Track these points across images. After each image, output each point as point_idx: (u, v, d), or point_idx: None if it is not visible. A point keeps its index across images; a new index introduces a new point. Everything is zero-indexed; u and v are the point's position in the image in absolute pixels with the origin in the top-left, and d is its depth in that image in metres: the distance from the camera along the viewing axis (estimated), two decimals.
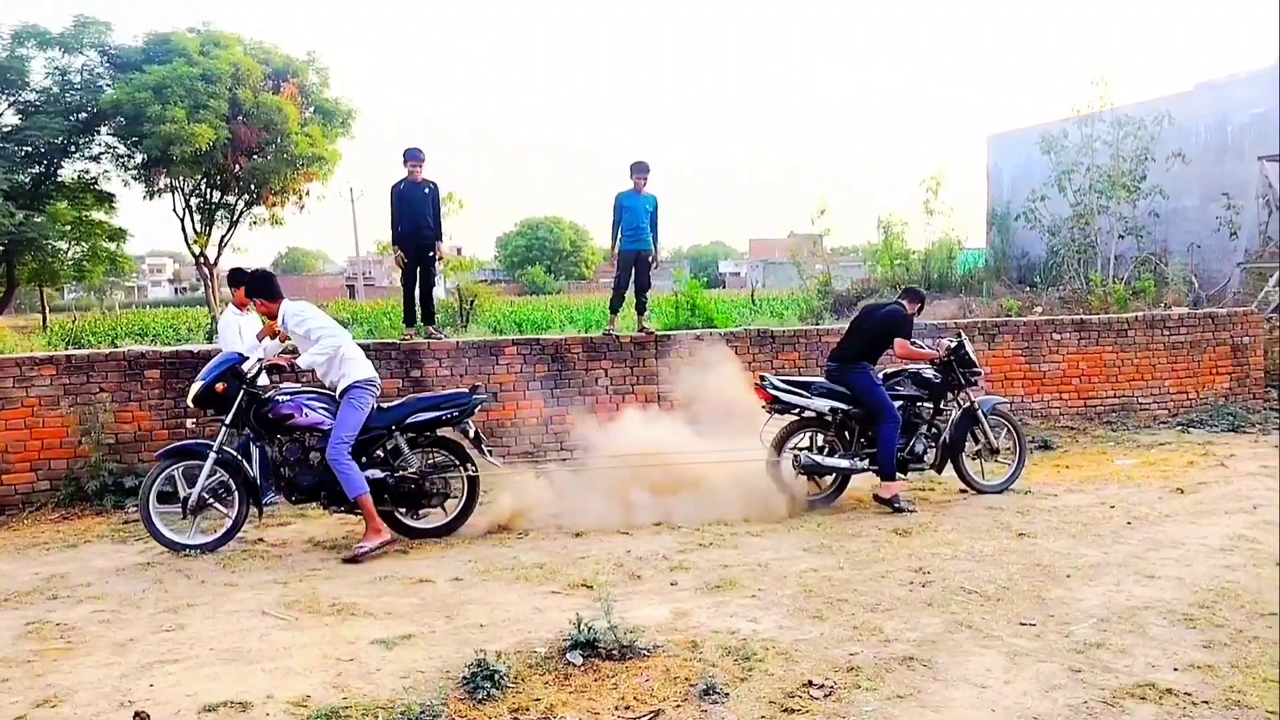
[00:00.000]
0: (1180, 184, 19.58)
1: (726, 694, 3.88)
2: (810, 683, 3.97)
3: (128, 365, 8.21)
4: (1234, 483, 7.89)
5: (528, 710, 3.81)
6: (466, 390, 6.96)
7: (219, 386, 6.36)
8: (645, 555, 6.14)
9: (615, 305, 10.41)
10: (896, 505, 7.14)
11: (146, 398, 8.24)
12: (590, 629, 4.31)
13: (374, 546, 6.25)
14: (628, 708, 3.83)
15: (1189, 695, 3.80)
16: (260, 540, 6.79)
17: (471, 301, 19.37)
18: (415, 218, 9.47)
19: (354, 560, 6.14)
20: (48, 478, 7.96)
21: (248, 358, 6.51)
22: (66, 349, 17.03)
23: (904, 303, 7.63)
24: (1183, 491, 7.60)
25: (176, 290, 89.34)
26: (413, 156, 9.49)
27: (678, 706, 3.82)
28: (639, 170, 9.83)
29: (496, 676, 3.99)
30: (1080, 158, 19.26)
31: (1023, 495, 7.61)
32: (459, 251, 26.82)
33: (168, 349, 8.80)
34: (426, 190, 9.56)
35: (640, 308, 10.26)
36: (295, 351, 6.69)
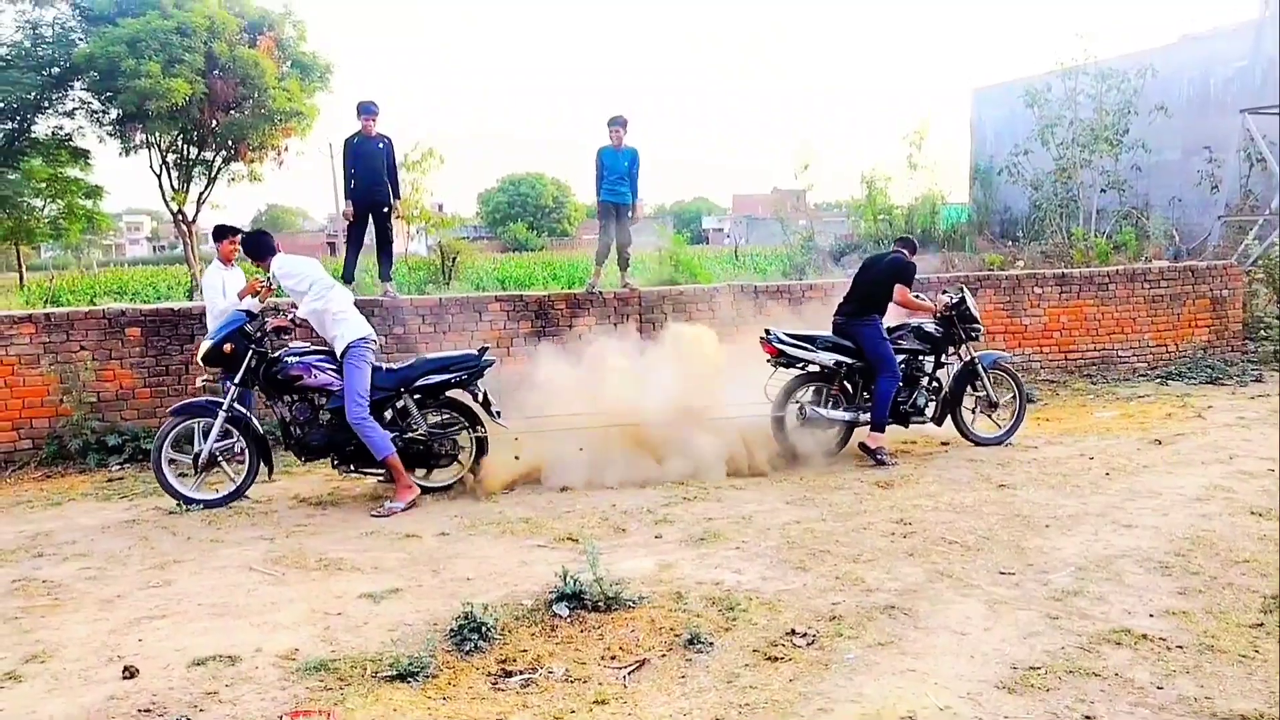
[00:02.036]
0: (1163, 137, 19.60)
1: (711, 643, 3.94)
2: (793, 631, 4.04)
3: (108, 323, 8.15)
4: (1211, 434, 8.00)
5: (515, 661, 3.86)
6: (475, 352, 6.93)
7: (226, 347, 6.36)
8: (630, 509, 6.18)
9: (600, 258, 10.37)
10: (879, 457, 7.21)
11: (128, 356, 8.20)
12: (576, 581, 4.35)
13: (405, 505, 6.31)
14: (614, 658, 3.88)
15: (1164, 640, 3.88)
16: (245, 497, 6.79)
17: (454, 259, 19.26)
18: (369, 173, 9.31)
19: (381, 517, 6.18)
20: (29, 436, 7.93)
21: (256, 316, 6.51)
22: (45, 308, 16.89)
23: (904, 251, 7.69)
24: (1160, 443, 7.70)
25: (155, 248, 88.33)
26: (366, 110, 9.28)
27: (663, 656, 3.87)
28: (616, 123, 9.74)
29: (484, 629, 4.03)
30: (1063, 111, 19.23)
31: (1003, 447, 7.70)
32: (440, 208, 26.61)
33: (148, 306, 8.72)
34: (381, 145, 9.40)
35: (623, 264, 10.23)
36: (282, 310, 6.66)
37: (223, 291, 7.47)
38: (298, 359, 6.47)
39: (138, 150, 26.86)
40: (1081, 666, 3.64)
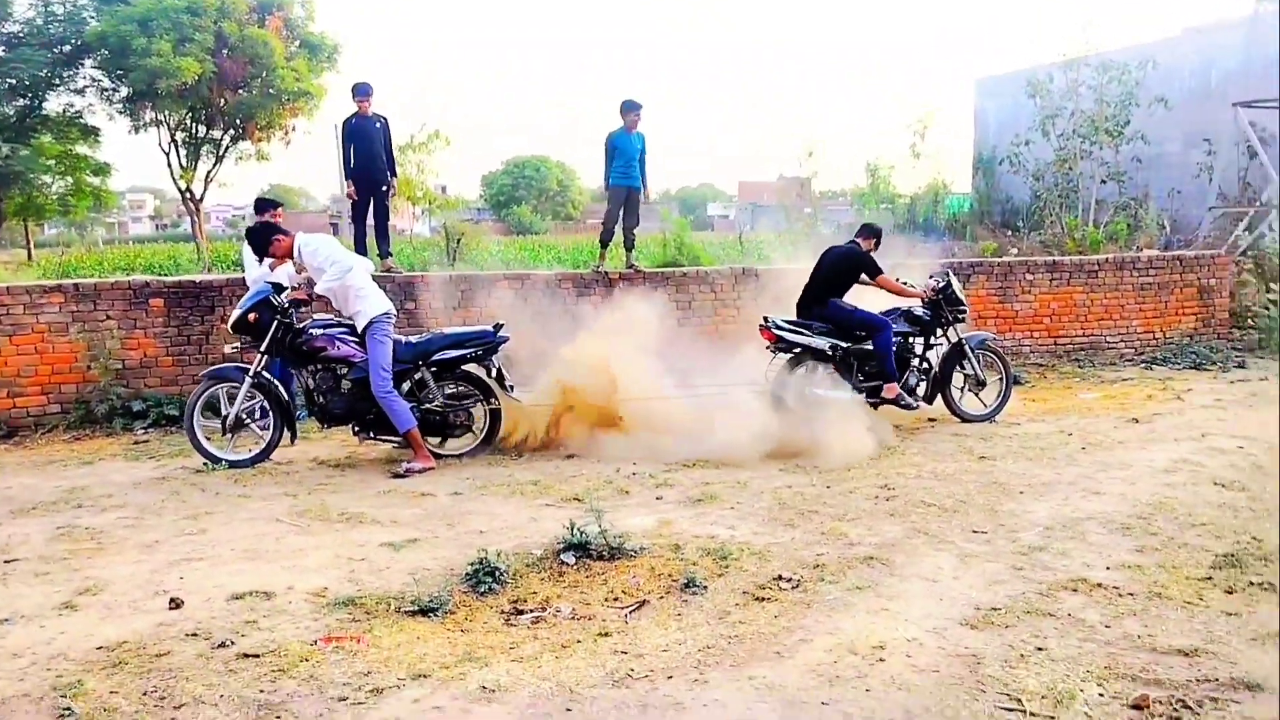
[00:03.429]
0: (1163, 129, 19.85)
1: (705, 587, 4.32)
2: (780, 577, 4.42)
3: (133, 294, 8.51)
4: (1187, 414, 8.37)
5: (525, 601, 4.23)
6: (491, 329, 7.23)
7: (251, 317, 6.73)
8: (633, 474, 6.56)
9: (605, 240, 10.67)
10: (903, 403, 7.64)
11: (151, 326, 8.56)
12: (582, 533, 4.72)
13: (421, 468, 6.68)
14: (616, 599, 4.25)
15: (1116, 589, 4.26)
16: (269, 459, 7.17)
17: (458, 240, 19.59)
18: (366, 153, 9.67)
19: (400, 476, 6.56)
20: (58, 401, 8.30)
21: (285, 288, 6.88)
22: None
23: (859, 241, 7.95)
24: (1138, 421, 8.07)
25: (157, 226, 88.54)
26: (362, 92, 9.64)
27: (661, 598, 4.25)
28: (630, 109, 10.03)
29: (497, 573, 4.41)
30: (1064, 102, 19.49)
31: (988, 424, 8.06)
32: (444, 190, 26.93)
33: (171, 279, 9.09)
34: (378, 125, 9.74)
35: (629, 245, 10.55)
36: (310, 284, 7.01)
37: (258, 262, 7.81)
38: (322, 331, 6.84)
39: (147, 128, 27.19)
40: (1039, 608, 4.02)
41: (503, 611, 4.14)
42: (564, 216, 76.03)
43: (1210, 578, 4.40)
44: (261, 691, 3.37)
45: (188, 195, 29.05)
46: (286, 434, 6.96)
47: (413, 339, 7.14)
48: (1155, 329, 12.18)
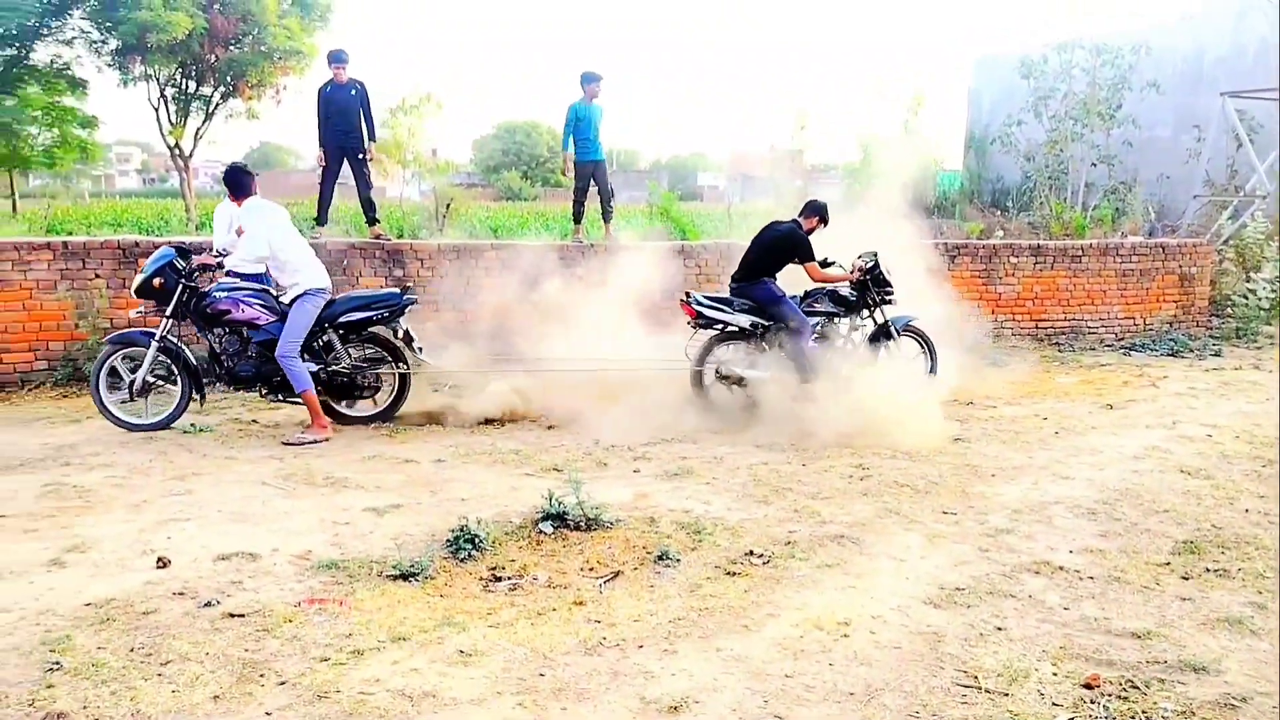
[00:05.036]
0: (1155, 114, 19.96)
1: (678, 559, 4.44)
2: (751, 553, 4.55)
3: (122, 253, 8.54)
4: (1160, 401, 8.53)
5: (504, 569, 4.35)
6: (398, 291, 7.31)
7: (156, 281, 6.76)
8: (612, 447, 6.67)
9: (577, 215, 10.67)
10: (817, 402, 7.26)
11: None
12: (560, 504, 4.84)
13: (314, 439, 6.71)
14: (591, 569, 4.38)
15: (1077, 572, 4.40)
16: (254, 421, 7.27)
17: (448, 205, 19.58)
18: (341, 120, 9.67)
19: (291, 444, 6.61)
20: (45, 358, 8.34)
21: (189, 252, 6.95)
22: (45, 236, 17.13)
23: (800, 220, 7.67)
24: (1112, 407, 8.22)
25: (145, 180, 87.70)
26: (337, 59, 9.65)
27: (635, 569, 4.37)
28: (590, 79, 10.08)
29: (477, 540, 4.53)
30: (1058, 84, 19.54)
31: (964, 405, 8.18)
32: (434, 153, 26.79)
33: (160, 239, 9.10)
34: (353, 92, 9.73)
35: (606, 216, 10.58)
36: (208, 250, 7.08)
37: (227, 227, 7.86)
38: (226, 294, 6.86)
39: (136, 82, 26.90)
40: (1001, 589, 4.17)
41: (481, 578, 4.26)
42: (554, 183, 75.59)
43: (1169, 563, 4.55)
44: (246, 650, 3.48)
45: (176, 152, 28.84)
46: (195, 397, 7.01)
47: None
48: (1136, 315, 12.34)
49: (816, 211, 7.70)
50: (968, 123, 27.41)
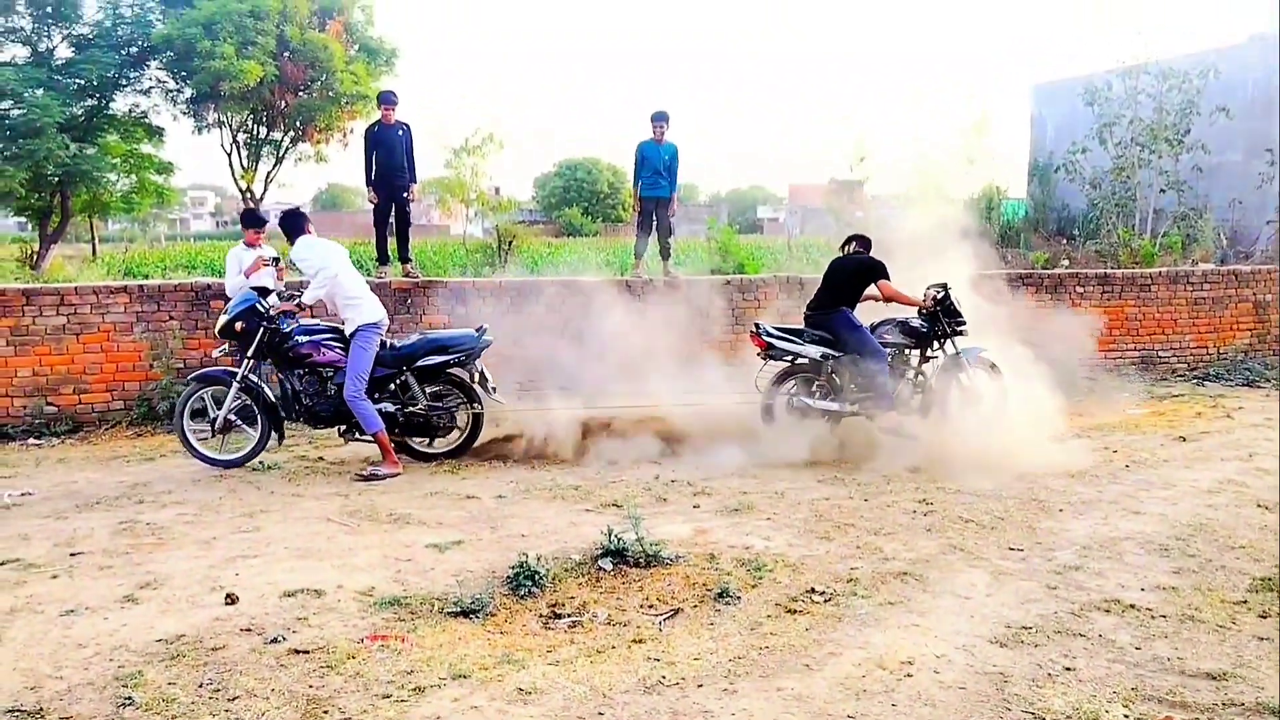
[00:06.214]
0: (1225, 139, 19.49)
1: (738, 597, 4.42)
2: (813, 590, 4.50)
3: (195, 295, 8.82)
4: (1236, 432, 8.27)
5: (563, 605, 4.36)
6: (474, 332, 7.40)
7: (238, 325, 6.97)
8: (672, 481, 6.67)
9: (639, 251, 10.83)
10: (902, 433, 7.46)
11: (212, 326, 8.79)
12: (620, 540, 4.85)
13: (386, 473, 6.83)
14: (651, 606, 4.37)
15: (1149, 610, 4.27)
16: (321, 459, 7.42)
17: (510, 242, 19.86)
18: (388, 160, 9.93)
19: (365, 479, 6.74)
20: (122, 398, 8.62)
21: (270, 291, 7.17)
22: (122, 279, 17.78)
23: (862, 250, 7.81)
24: (1185, 439, 7.99)
25: (218, 223, 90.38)
26: (386, 100, 9.99)
27: (695, 606, 4.35)
28: (658, 119, 10.27)
29: (537, 577, 4.55)
30: (1123, 110, 19.24)
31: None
32: (497, 191, 27.19)
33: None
34: (400, 132, 10.00)
35: (664, 253, 10.69)
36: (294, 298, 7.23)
37: (238, 268, 8.13)
38: (308, 338, 7.05)
39: (210, 129, 27.87)
40: (1070, 628, 4.06)
41: (541, 615, 4.28)
42: (614, 219, 76.22)
43: (1245, 601, 4.40)
44: (310, 687, 3.54)
45: (248, 195, 29.71)
46: (274, 435, 7.16)
47: (398, 343, 7.29)
48: (1209, 344, 12.01)
49: (864, 240, 7.88)
50: (1030, 149, 27.06)
